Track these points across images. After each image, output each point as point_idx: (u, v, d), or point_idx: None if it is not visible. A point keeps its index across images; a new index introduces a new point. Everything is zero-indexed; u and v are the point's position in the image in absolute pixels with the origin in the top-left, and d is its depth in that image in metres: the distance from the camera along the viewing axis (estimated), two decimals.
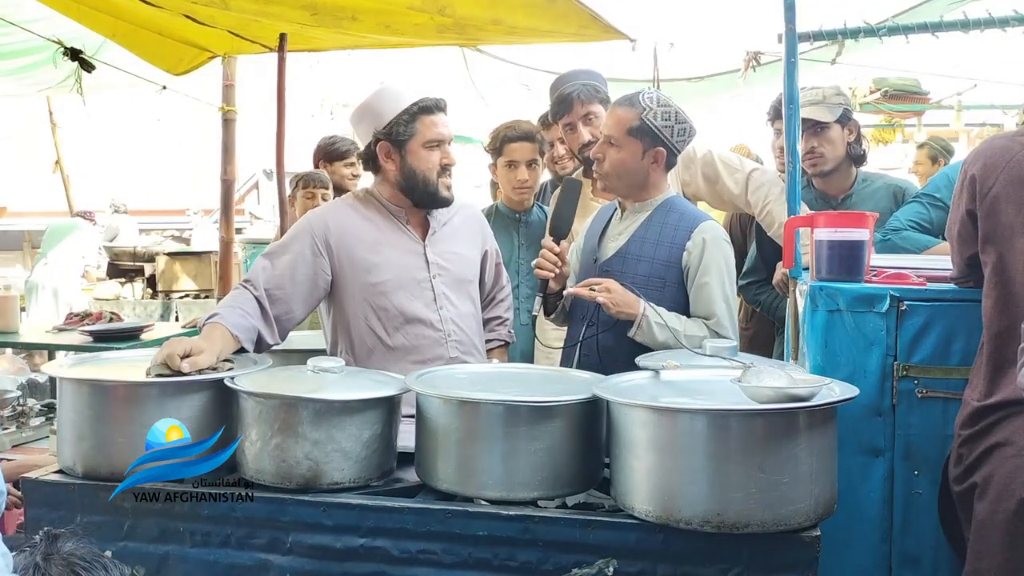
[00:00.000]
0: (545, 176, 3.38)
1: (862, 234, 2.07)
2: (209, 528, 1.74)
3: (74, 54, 4.70)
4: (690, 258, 2.23)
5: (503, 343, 2.60)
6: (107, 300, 6.72)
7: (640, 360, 1.97)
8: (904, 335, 2.00)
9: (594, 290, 2.17)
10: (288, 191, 4.11)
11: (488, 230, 2.58)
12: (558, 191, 2.68)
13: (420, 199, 2.32)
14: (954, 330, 1.98)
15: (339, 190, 3.94)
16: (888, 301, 1.99)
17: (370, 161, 2.33)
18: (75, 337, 4.19)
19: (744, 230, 3.43)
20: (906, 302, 1.99)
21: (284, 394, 1.74)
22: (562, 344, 2.44)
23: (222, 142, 4.54)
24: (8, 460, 2.84)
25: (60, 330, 4.42)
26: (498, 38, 4.04)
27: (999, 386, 1.76)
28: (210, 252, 6.72)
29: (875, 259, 2.25)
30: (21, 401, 3.55)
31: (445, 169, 2.30)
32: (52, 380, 3.44)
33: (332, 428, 1.71)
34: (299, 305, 2.23)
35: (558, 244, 2.32)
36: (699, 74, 6.21)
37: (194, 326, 4.07)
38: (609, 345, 2.26)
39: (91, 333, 4.13)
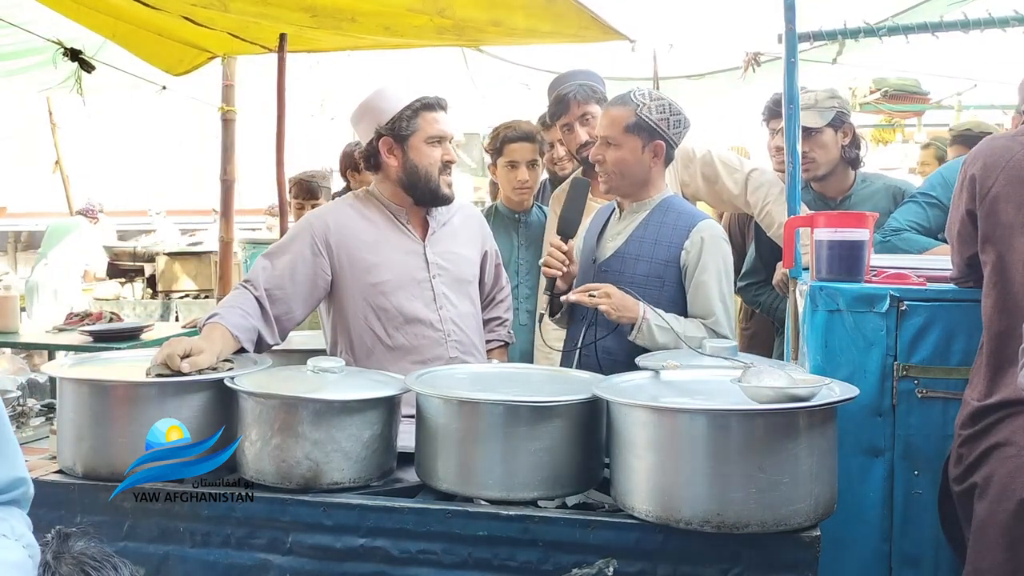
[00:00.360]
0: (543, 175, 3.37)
1: (862, 234, 2.07)
2: (209, 528, 1.74)
3: (74, 55, 4.70)
4: (688, 257, 2.23)
5: (503, 343, 2.60)
6: (107, 300, 6.72)
7: (640, 360, 1.97)
8: (904, 335, 2.00)
9: (593, 295, 2.17)
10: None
11: (488, 231, 2.59)
12: (564, 190, 2.68)
13: (421, 196, 2.32)
14: (954, 330, 1.98)
15: None
16: (888, 301, 2.00)
17: (371, 159, 2.34)
18: (75, 337, 4.19)
19: (743, 230, 3.43)
20: (906, 302, 1.99)
21: (284, 394, 1.74)
22: (562, 345, 2.44)
23: (222, 142, 4.53)
24: None
25: (60, 330, 4.43)
26: (498, 39, 4.04)
27: (999, 386, 1.76)
28: (210, 252, 6.71)
29: (875, 259, 2.25)
30: (21, 401, 3.54)
31: (447, 166, 2.31)
32: (52, 380, 3.44)
33: (332, 428, 1.71)
34: (299, 305, 2.23)
35: (566, 243, 2.32)
36: (699, 72, 6.22)
37: (194, 326, 4.07)
38: (609, 346, 2.26)
39: (91, 333, 4.13)
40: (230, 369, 1.92)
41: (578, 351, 2.33)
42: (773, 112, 3.23)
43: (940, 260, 2.24)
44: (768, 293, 3.09)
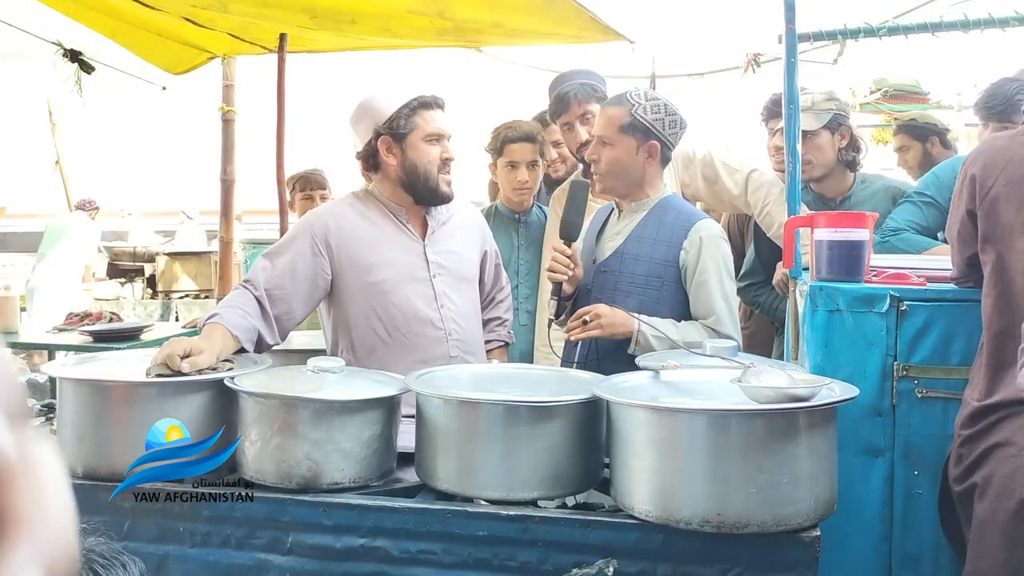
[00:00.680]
0: None
1: (862, 234, 2.07)
2: (209, 528, 1.74)
3: (74, 55, 4.70)
4: (687, 257, 2.23)
5: (503, 343, 2.60)
6: (107, 300, 6.73)
7: (640, 360, 1.97)
8: (904, 335, 2.00)
9: (586, 321, 2.18)
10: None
11: (487, 231, 2.59)
12: (565, 193, 2.68)
13: (421, 195, 2.32)
14: (954, 330, 1.98)
15: None
16: (888, 301, 2.00)
17: (370, 159, 2.34)
18: (75, 337, 4.20)
19: (742, 231, 3.42)
20: (906, 302, 1.99)
21: (284, 394, 1.74)
22: (563, 345, 2.44)
23: (222, 142, 4.54)
24: None
25: (60, 330, 4.43)
26: (498, 40, 4.04)
27: (999, 386, 1.76)
28: (210, 252, 6.72)
29: (875, 259, 2.25)
30: None
31: (445, 163, 2.32)
32: (52, 380, 3.43)
33: (332, 428, 1.71)
34: (299, 305, 2.23)
35: (569, 246, 2.32)
36: (699, 71, 6.22)
37: (194, 326, 4.07)
38: (609, 346, 2.26)
39: (91, 333, 4.14)
40: (230, 369, 1.91)
41: (578, 350, 2.32)
42: (772, 112, 3.23)
43: (940, 260, 2.24)
44: (768, 293, 3.09)
